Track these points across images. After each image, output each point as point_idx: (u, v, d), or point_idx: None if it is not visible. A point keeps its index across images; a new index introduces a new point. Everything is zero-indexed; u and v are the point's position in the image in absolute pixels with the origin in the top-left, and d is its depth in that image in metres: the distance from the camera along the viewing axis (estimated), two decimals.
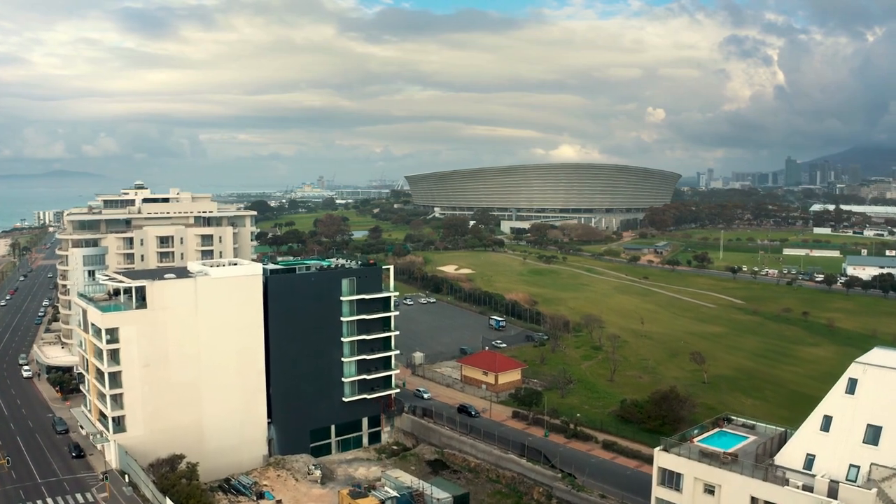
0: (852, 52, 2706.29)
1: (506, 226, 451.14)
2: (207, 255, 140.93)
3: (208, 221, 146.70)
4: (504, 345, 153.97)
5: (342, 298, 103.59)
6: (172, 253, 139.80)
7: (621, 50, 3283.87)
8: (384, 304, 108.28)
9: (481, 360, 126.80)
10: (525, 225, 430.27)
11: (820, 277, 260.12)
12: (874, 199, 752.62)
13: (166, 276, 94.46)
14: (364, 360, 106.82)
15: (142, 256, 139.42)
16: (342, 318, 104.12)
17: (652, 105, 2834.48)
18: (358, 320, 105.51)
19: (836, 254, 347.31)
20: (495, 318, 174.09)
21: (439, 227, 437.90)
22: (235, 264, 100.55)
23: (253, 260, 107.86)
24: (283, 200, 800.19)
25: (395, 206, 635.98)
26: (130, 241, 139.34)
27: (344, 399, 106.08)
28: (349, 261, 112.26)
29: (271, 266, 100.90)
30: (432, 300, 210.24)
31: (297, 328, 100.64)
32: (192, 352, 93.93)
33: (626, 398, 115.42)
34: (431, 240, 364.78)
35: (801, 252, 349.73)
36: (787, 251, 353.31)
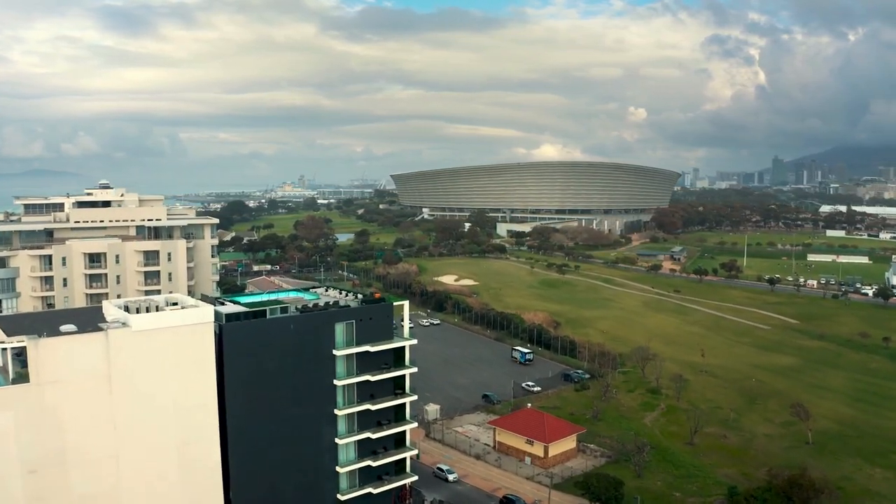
0: (834, 51, 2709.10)
1: (502, 228, 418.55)
2: (152, 277, 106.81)
3: (156, 233, 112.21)
4: (538, 388, 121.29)
5: (336, 352, 70.12)
6: (105, 276, 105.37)
7: (603, 49, 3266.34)
8: (396, 357, 75.01)
9: (523, 423, 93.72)
10: (524, 227, 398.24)
11: (867, 290, 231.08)
12: (872, 200, 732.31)
13: (63, 328, 60.39)
14: (368, 439, 73.41)
15: (64, 280, 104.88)
16: (336, 382, 70.67)
17: (633, 105, 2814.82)
18: (359, 383, 72.12)
19: (864, 259, 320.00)
20: (520, 349, 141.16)
21: (430, 229, 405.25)
22: (175, 304, 66.58)
23: (203, 297, 73.20)
24: (263, 200, 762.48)
25: (381, 206, 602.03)
26: (49, 259, 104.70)
27: (339, 496, 72.63)
28: (345, 293, 78.78)
29: (229, 308, 67.05)
30: (436, 321, 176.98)
31: (270, 400, 67.06)
32: (104, 448, 59.87)
33: (735, 486, 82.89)
34: (424, 245, 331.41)
35: (827, 258, 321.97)
36: (811, 257, 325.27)
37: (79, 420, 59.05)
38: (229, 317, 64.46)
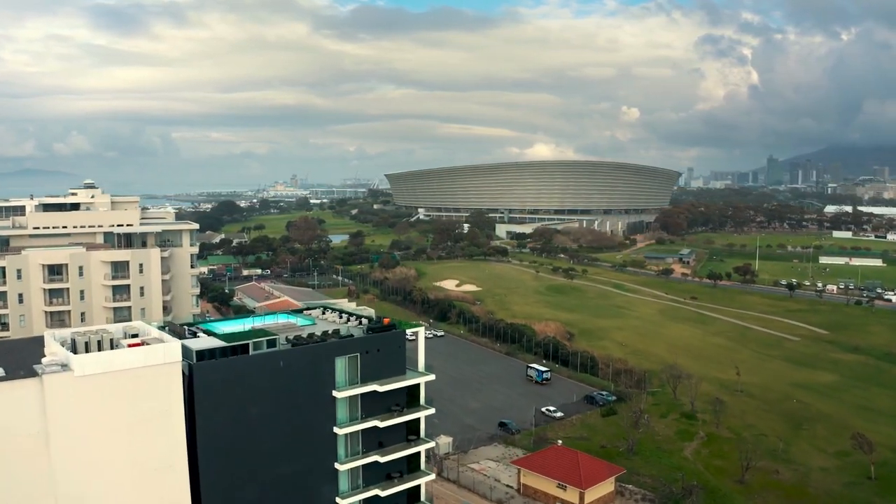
0: (826, 51, 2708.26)
1: (501, 229, 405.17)
2: (121, 292, 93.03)
3: (128, 240, 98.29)
4: (560, 414, 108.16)
5: (336, 394, 56.76)
6: (66, 291, 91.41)
7: (596, 49, 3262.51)
8: (410, 396, 61.72)
9: (553, 464, 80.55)
10: (526, 229, 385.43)
11: (890, 295, 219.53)
12: (872, 200, 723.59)
13: None
14: (376, 497, 59.94)
15: (20, 296, 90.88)
16: (336, 430, 57.29)
17: (626, 104, 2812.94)
18: (364, 430, 58.74)
19: (878, 262, 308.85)
20: (536, 367, 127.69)
21: (427, 230, 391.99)
22: (135, 335, 53.13)
23: (170, 327, 58.09)
24: (255, 200, 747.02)
25: (375, 206, 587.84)
26: (3, 272, 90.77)
27: None
28: (346, 317, 65.32)
29: (201, 341, 53.47)
30: (439, 333, 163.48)
31: (254, 455, 53.64)
32: None
33: None
34: (422, 247, 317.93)
35: (840, 261, 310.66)
36: (823, 259, 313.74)
37: (9, 492, 45.76)
38: (201, 354, 50.82)
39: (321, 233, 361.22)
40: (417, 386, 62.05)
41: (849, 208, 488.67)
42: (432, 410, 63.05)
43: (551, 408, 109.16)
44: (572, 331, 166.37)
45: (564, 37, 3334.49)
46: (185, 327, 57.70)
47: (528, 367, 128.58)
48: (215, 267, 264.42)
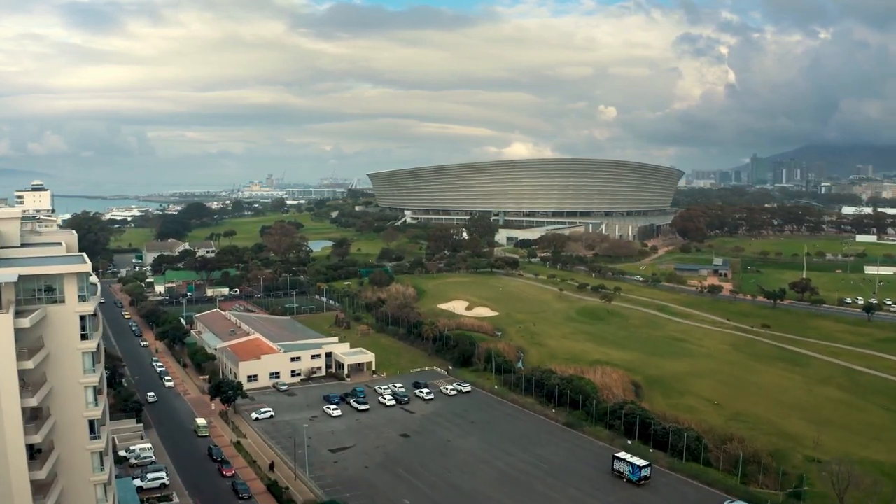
0: (804, 50, 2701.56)
1: (501, 234, 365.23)
2: None
3: None
4: None
5: None
6: None
7: (573, 48, 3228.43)
8: None
9: None
10: (529, 234, 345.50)
11: None
12: (872, 200, 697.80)
13: None
14: None
15: None
16: None
17: (603, 103, 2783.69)
18: None
19: None
20: (628, 458, 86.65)
21: (418, 236, 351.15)
22: None
23: None
24: (227, 202, 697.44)
25: (357, 208, 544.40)
26: None
27: None
28: None
29: None
30: (465, 387, 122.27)
31: None
32: None
33: None
34: (418, 258, 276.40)
35: (888, 270, 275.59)
36: (868, 270, 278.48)
37: None
38: None
39: (299, 240, 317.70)
40: None
41: (869, 209, 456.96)
42: None
43: None
44: (635, 378, 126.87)
45: (542, 36, 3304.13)
46: None
47: (614, 457, 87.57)
48: (174, 285, 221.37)
